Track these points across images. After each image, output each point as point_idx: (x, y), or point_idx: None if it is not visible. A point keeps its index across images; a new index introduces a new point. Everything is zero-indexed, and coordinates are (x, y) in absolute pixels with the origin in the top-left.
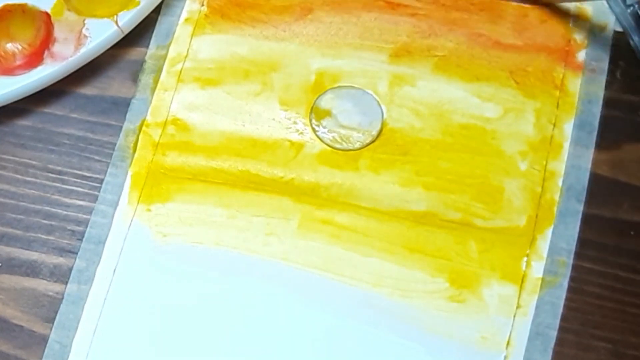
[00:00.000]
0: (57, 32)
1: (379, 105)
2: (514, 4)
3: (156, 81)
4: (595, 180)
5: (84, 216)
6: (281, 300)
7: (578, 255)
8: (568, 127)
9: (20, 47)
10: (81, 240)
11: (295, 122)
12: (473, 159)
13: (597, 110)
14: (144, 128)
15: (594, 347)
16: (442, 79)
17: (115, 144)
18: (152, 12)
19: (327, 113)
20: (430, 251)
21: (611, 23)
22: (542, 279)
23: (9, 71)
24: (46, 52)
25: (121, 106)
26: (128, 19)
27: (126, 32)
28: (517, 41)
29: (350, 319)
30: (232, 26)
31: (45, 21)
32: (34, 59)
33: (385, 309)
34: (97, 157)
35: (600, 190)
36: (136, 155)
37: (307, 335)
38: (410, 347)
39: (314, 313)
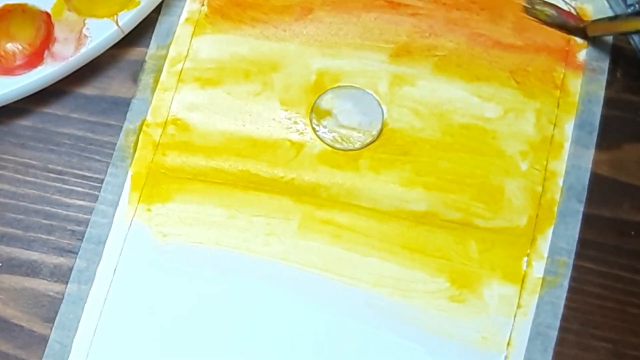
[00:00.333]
0: (57, 32)
1: (379, 105)
2: (514, 3)
3: (156, 81)
4: (596, 180)
5: (84, 216)
6: (281, 300)
7: (578, 255)
8: (568, 127)
9: (20, 47)
10: (81, 240)
11: (295, 122)
12: (473, 159)
13: (597, 110)
14: (144, 128)
15: (594, 347)
16: (443, 78)
17: (115, 144)
18: (152, 12)
19: (328, 113)
20: (430, 251)
21: None
22: (543, 279)
23: (9, 71)
24: (46, 52)
25: (121, 106)
26: (128, 18)
27: (126, 32)
28: (518, 41)
29: (350, 319)
30: (232, 26)
31: (45, 21)
32: (34, 59)
33: (385, 309)
34: (97, 157)
35: (601, 190)
36: (136, 155)
37: (307, 335)
38: (410, 347)
39: (314, 313)
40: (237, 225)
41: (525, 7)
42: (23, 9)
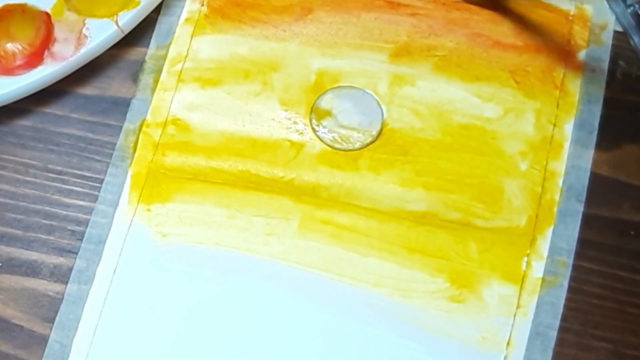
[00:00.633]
0: (57, 32)
1: (379, 105)
2: (514, 3)
3: (156, 81)
4: (595, 180)
5: (84, 216)
6: (281, 300)
7: (578, 255)
8: (568, 127)
9: (20, 47)
10: (81, 240)
11: (295, 122)
12: (473, 159)
13: (597, 110)
14: (144, 128)
15: (594, 347)
16: (442, 79)
17: (115, 144)
18: (152, 12)
19: (327, 113)
20: (430, 251)
21: (611, 23)
22: (542, 279)
23: (9, 71)
24: (46, 52)
25: (121, 106)
26: (128, 19)
27: (126, 32)
28: (517, 41)
29: (350, 319)
30: (232, 26)
31: (45, 21)
32: (34, 59)
33: (385, 309)
34: (97, 157)
35: (600, 190)
36: (136, 155)
37: (307, 335)
38: (410, 347)
39: (314, 313)
40: (237, 225)
41: None
42: (23, 9)
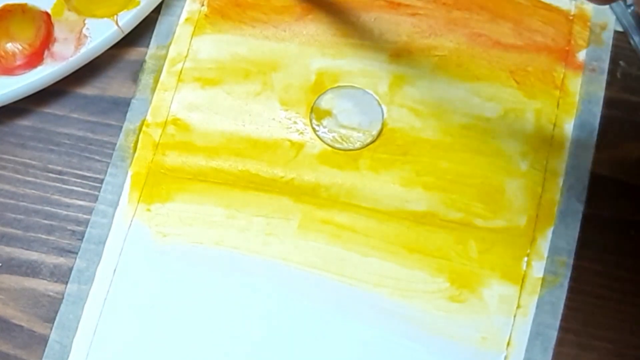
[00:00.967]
0: (57, 32)
1: (379, 105)
2: (515, 3)
3: (156, 81)
4: (596, 180)
5: (84, 216)
6: (281, 300)
7: (578, 255)
8: (568, 127)
9: (20, 47)
10: (81, 240)
11: (295, 122)
12: (473, 159)
13: (597, 110)
14: (144, 128)
15: (594, 347)
16: (443, 79)
17: (115, 144)
18: (152, 12)
19: (328, 113)
20: (430, 251)
21: (611, 23)
22: (543, 279)
23: (9, 71)
24: (46, 52)
25: (121, 106)
26: (128, 19)
27: (126, 32)
28: (518, 41)
29: (351, 319)
30: (232, 26)
31: (45, 21)
32: (34, 59)
33: (385, 308)
34: (97, 157)
35: (601, 190)
36: (136, 155)
37: (307, 335)
38: (411, 347)
39: (314, 313)
40: (237, 225)
41: None
42: (23, 9)
